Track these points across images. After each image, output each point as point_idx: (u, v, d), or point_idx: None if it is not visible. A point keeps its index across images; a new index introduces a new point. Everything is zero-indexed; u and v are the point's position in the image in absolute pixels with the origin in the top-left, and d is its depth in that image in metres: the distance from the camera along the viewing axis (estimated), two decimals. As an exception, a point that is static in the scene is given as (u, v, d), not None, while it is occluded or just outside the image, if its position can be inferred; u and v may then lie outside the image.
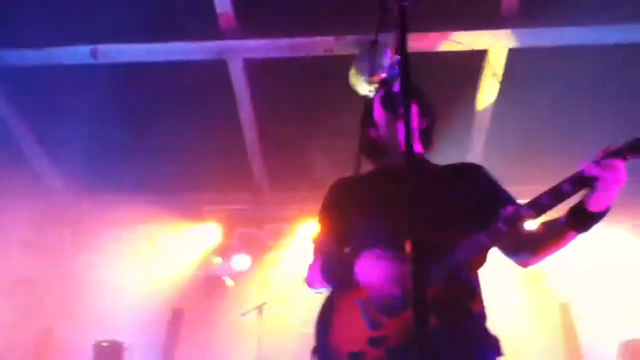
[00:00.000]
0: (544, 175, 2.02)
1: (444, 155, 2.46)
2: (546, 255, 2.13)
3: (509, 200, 2.19)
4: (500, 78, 5.10)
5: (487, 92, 5.29)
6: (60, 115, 5.59)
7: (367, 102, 2.49)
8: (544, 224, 2.10)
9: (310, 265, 2.34)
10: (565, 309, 5.86)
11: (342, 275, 2.13)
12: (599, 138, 2.02)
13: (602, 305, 5.95)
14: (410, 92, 1.75)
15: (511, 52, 4.94)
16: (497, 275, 5.84)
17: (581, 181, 1.90)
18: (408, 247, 1.45)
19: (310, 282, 2.32)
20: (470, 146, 5.78)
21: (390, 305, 1.96)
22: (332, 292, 2.18)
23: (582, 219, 1.97)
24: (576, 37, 4.75)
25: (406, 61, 1.57)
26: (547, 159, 4.80)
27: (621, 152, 1.87)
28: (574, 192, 1.92)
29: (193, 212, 6.62)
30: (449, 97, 5.14)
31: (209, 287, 6.56)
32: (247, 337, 5.67)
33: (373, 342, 1.94)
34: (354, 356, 1.95)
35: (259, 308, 5.37)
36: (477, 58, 5.09)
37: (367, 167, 2.49)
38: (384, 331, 1.94)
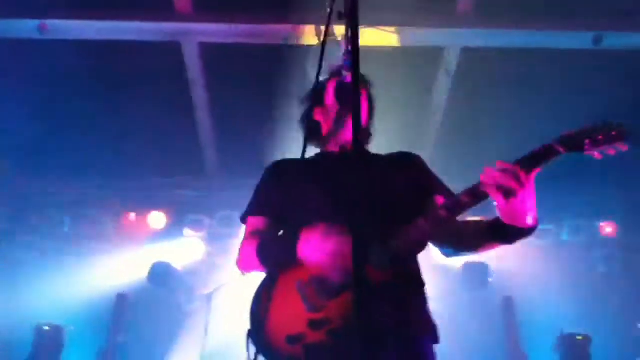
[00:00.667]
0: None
1: (395, 150, 2.49)
2: (473, 253, 2.17)
3: (446, 190, 2.25)
4: (452, 76, 5.18)
5: (440, 89, 5.36)
6: (1, 92, 5.37)
7: (321, 84, 2.41)
8: (477, 223, 2.12)
9: (242, 246, 2.23)
10: (508, 303, 6.00)
11: (281, 255, 2.05)
12: (544, 139, 2.05)
13: (543, 300, 6.18)
14: (360, 85, 1.75)
15: (464, 51, 5.01)
16: (442, 266, 6.08)
17: (474, 195, 1.90)
18: (349, 229, 1.42)
19: (243, 265, 2.21)
20: (422, 142, 5.85)
21: (331, 286, 1.90)
22: (268, 274, 2.08)
23: (500, 231, 1.97)
24: (525, 40, 4.84)
25: (356, 54, 1.57)
26: (495, 157, 4.87)
27: (529, 164, 1.87)
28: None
29: (141, 197, 6.49)
30: (403, 92, 5.20)
31: (156, 274, 6.45)
32: (194, 324, 5.63)
33: (313, 324, 1.89)
34: (292, 339, 1.89)
35: (208, 296, 5.33)
36: (431, 56, 5.15)
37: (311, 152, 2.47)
38: (324, 313, 1.89)
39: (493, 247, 2.07)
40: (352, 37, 1.60)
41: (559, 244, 6.54)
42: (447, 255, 2.25)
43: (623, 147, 1.86)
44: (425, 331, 2.04)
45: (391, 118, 4.78)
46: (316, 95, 2.42)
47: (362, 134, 2.42)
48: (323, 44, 2.25)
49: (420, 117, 5.67)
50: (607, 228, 6.56)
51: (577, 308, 6.01)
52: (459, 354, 5.36)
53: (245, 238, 2.26)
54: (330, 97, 2.37)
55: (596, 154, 1.89)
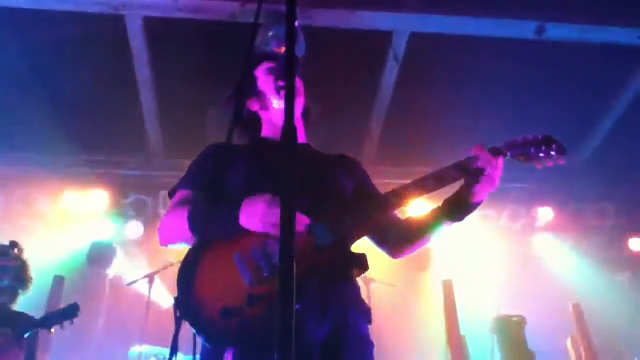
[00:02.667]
0: (437, 160, 2.11)
1: (341, 134, 2.49)
2: (420, 245, 2.20)
3: (379, 193, 2.25)
4: (401, 62, 5.21)
5: (388, 73, 5.39)
6: None
7: (247, 72, 2.38)
8: (417, 216, 2.19)
9: (168, 216, 2.15)
10: (447, 287, 6.15)
11: (219, 224, 1.99)
12: (493, 129, 2.13)
13: (482, 283, 6.37)
14: (296, 66, 1.73)
15: (413, 36, 5.04)
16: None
17: (464, 171, 1.99)
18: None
19: (168, 235, 2.11)
20: (369, 127, 5.89)
21: (274, 261, 1.85)
22: (199, 244, 1.99)
23: (458, 210, 2.06)
24: (470, 28, 4.90)
25: (292, 35, 1.53)
26: (442, 145, 4.98)
27: (501, 151, 2.00)
28: (454, 180, 2.01)
29: (81, 175, 6.28)
30: (351, 76, 5.21)
31: (95, 254, 6.28)
32: (136, 306, 5.51)
33: (252, 298, 1.83)
34: (228, 312, 1.83)
35: (150, 277, 5.24)
36: (380, 40, 5.16)
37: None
38: (266, 288, 1.84)
39: (443, 229, 2.13)
40: (288, 19, 1.55)
41: (499, 229, 6.76)
42: (395, 254, 2.26)
43: (561, 162, 1.99)
44: (360, 312, 2.06)
45: (339, 100, 4.79)
46: (247, 84, 2.38)
47: (303, 122, 2.41)
48: (254, 27, 2.22)
49: (368, 100, 5.68)
50: (544, 214, 6.81)
51: (514, 290, 6.23)
52: (399, 336, 5.47)
53: (172, 208, 2.17)
54: (263, 85, 2.33)
55: (538, 166, 2.04)
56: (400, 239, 2.21)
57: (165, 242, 2.14)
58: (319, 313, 1.91)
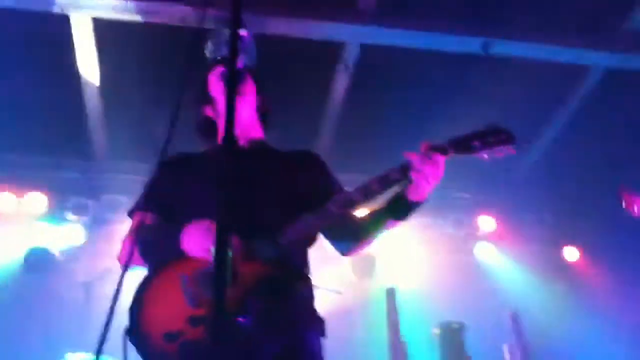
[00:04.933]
0: (387, 164, 2.15)
1: (293, 142, 2.49)
2: (367, 243, 2.26)
3: (340, 189, 2.31)
4: (351, 71, 5.26)
5: (339, 83, 5.43)
6: None
7: (202, 78, 2.41)
8: (365, 214, 2.23)
9: (125, 241, 2.18)
10: (390, 294, 6.22)
11: (163, 250, 2.00)
12: (436, 136, 2.18)
13: (423, 290, 6.50)
14: (244, 72, 1.72)
15: (364, 47, 5.10)
16: (331, 257, 6.18)
17: (406, 171, 2.03)
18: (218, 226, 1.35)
19: (124, 260, 2.08)
20: (320, 135, 5.92)
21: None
22: (150, 269, 2.03)
23: (399, 208, 2.11)
24: (419, 41, 4.99)
25: (235, 40, 1.53)
26: (391, 149, 5.04)
27: (443, 149, 2.03)
28: (398, 181, 2.05)
29: (19, 176, 6.03)
30: (304, 84, 5.23)
31: (32, 260, 6.05)
32: (74, 312, 5.34)
33: (193, 320, 1.83)
34: (170, 336, 1.83)
35: (89, 283, 5.10)
36: (333, 49, 5.19)
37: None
38: (205, 309, 1.84)
39: (389, 228, 2.18)
40: (233, 24, 1.55)
41: (443, 237, 6.91)
42: (344, 251, 2.30)
43: (511, 151, 2.02)
44: (310, 325, 2.07)
45: (291, 107, 4.80)
46: (202, 91, 2.39)
47: (259, 124, 2.42)
48: (203, 32, 2.24)
49: (319, 109, 5.71)
50: (486, 222, 7.01)
51: (455, 297, 6.38)
52: (342, 344, 5.50)
53: (129, 233, 2.19)
54: (216, 87, 2.33)
55: (485, 156, 2.02)
56: (349, 237, 2.25)
57: (124, 265, 2.14)
58: (270, 329, 1.91)
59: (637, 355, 5.90)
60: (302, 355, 1.99)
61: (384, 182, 2.04)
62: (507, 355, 6.01)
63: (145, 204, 2.24)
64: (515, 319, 6.11)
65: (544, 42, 5.07)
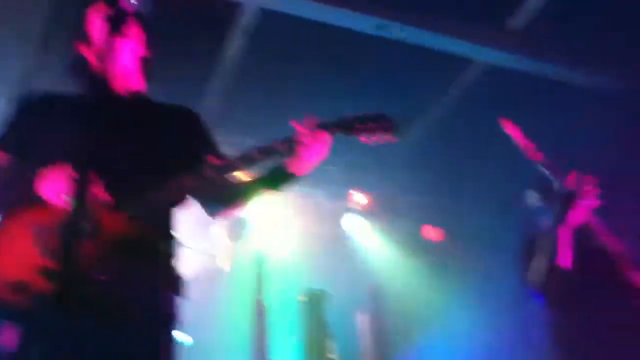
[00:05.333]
0: (274, 133, 2.14)
1: (177, 99, 2.41)
2: (238, 208, 2.26)
3: (217, 150, 2.26)
4: (249, 35, 5.10)
5: (234, 46, 5.27)
6: None
7: (83, 14, 2.21)
8: (240, 180, 2.21)
9: None
10: (259, 258, 6.24)
11: (18, 192, 1.87)
12: (332, 110, 2.20)
13: (291, 256, 6.62)
14: (130, 14, 1.62)
15: (263, 12, 4.96)
16: (200, 219, 6.08)
17: (291, 144, 2.06)
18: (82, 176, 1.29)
19: None
20: (207, 95, 5.74)
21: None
22: (1, 212, 1.89)
23: (279, 180, 2.14)
24: (316, 14, 4.90)
25: None
26: (279, 122, 5.01)
27: (329, 127, 2.08)
28: (283, 153, 2.08)
29: None
30: (197, 42, 5.03)
31: None
32: None
33: (45, 272, 1.73)
34: (18, 287, 1.72)
35: None
36: (230, 10, 4.99)
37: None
38: (59, 261, 1.74)
39: (262, 196, 2.19)
40: None
41: (315, 206, 7.02)
42: (213, 213, 2.26)
43: (391, 139, 2.10)
44: (169, 285, 2.03)
45: (180, 64, 4.62)
46: (77, 28, 2.21)
47: (141, 73, 2.29)
48: None
49: (210, 70, 5.51)
50: (358, 196, 7.24)
51: (322, 266, 6.57)
52: (208, 305, 5.49)
53: None
54: (93, 27, 2.17)
55: (365, 139, 2.10)
56: (220, 200, 2.22)
57: None
58: (128, 287, 1.85)
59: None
60: (158, 315, 1.95)
61: (267, 152, 2.04)
62: (360, 324, 6.31)
63: (0, 143, 2.05)
64: (376, 290, 6.41)
65: (434, 30, 5.22)
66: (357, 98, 5.18)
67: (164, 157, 2.09)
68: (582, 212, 2.77)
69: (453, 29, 5.24)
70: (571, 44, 5.28)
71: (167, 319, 2.00)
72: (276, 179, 2.15)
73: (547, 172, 2.83)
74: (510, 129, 2.87)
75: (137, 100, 2.24)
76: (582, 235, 2.85)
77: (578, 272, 2.82)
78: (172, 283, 2.05)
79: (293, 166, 2.11)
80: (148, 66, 2.31)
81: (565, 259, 2.80)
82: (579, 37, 5.14)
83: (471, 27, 5.24)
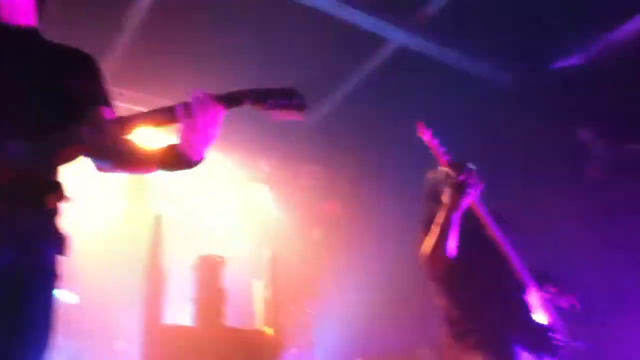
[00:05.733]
0: (179, 94, 2.03)
1: (80, 45, 2.26)
2: (128, 170, 2.15)
3: (108, 102, 2.12)
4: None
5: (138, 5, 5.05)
6: None
7: None
8: (134, 143, 2.06)
9: None
10: (157, 220, 6.10)
11: None
12: (239, 77, 2.10)
13: (192, 221, 6.53)
14: None
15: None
16: (100, 176, 5.84)
17: (173, 113, 1.87)
18: None
19: None
20: (113, 42, 5.48)
21: None
22: None
23: (171, 159, 1.98)
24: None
25: None
26: (186, 79, 4.91)
27: (232, 99, 1.92)
28: (166, 122, 1.90)
29: None
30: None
31: None
32: None
33: None
34: None
35: None
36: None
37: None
38: None
39: (151, 171, 2.07)
40: None
41: (221, 172, 6.95)
42: (101, 169, 2.13)
43: (299, 118, 2.03)
44: (49, 240, 1.92)
45: (90, 16, 4.37)
46: None
47: (35, 9, 2.13)
48: None
49: (119, 14, 5.25)
50: (265, 165, 7.25)
51: (222, 232, 6.55)
52: (100, 265, 5.32)
53: None
54: None
55: (273, 116, 1.99)
56: (109, 156, 2.07)
57: None
58: (1, 238, 1.75)
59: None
60: (33, 270, 1.84)
61: (172, 117, 1.89)
62: (256, 290, 6.37)
63: None
64: (271, 259, 6.46)
65: (351, 5, 5.26)
66: (266, 67, 5.16)
67: (55, 100, 1.95)
68: (470, 199, 3.01)
69: (368, 5, 5.31)
70: (474, 35, 5.52)
71: (48, 277, 1.89)
72: (167, 157, 1.97)
73: (450, 172, 3.04)
74: (422, 131, 3.01)
75: (28, 38, 2.06)
76: (467, 220, 3.07)
77: (461, 254, 3.04)
78: (54, 240, 1.93)
79: (182, 144, 1.92)
80: (42, 3, 2.16)
81: (453, 240, 3.04)
82: (482, 29, 5.39)
83: (387, 6, 5.33)
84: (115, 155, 2.05)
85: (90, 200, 4.78)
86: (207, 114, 1.85)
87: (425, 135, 3.03)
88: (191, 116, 1.85)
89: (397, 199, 6.06)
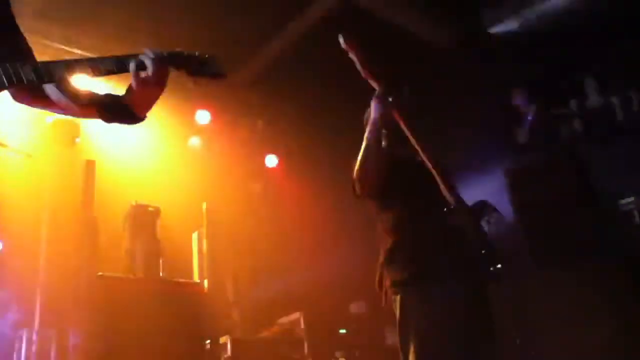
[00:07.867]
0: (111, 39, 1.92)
1: None
2: (65, 112, 1.99)
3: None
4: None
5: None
6: None
7: None
8: (80, 89, 1.93)
9: None
10: (90, 167, 5.87)
11: None
12: (160, 36, 2.03)
13: (126, 170, 6.35)
14: None
15: None
16: (28, 120, 5.56)
17: (124, 65, 1.78)
18: None
19: None
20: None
21: None
22: None
23: (114, 111, 1.86)
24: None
25: None
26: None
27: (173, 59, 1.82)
28: (112, 72, 1.79)
29: None
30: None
31: None
32: None
33: None
34: None
35: None
36: None
37: None
38: None
39: (87, 117, 1.96)
40: None
41: (157, 122, 6.74)
42: (22, 100, 1.97)
43: (219, 81, 1.91)
44: None
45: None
46: None
47: None
48: None
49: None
50: (203, 116, 7.11)
51: (157, 182, 6.41)
52: (27, 214, 5.11)
53: None
54: None
55: (192, 83, 1.89)
56: (45, 97, 1.92)
57: None
58: None
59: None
60: None
61: (120, 67, 1.77)
62: (195, 243, 6.34)
63: None
64: (208, 210, 6.42)
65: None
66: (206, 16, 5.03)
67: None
68: (391, 110, 2.87)
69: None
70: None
71: None
72: (111, 107, 1.83)
73: (373, 83, 2.89)
74: (349, 44, 2.88)
75: None
76: (398, 143, 2.98)
77: (393, 174, 2.92)
78: None
79: (133, 99, 1.80)
80: None
81: (380, 154, 2.91)
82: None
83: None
84: (57, 92, 1.89)
85: (11, 141, 4.49)
86: (161, 73, 1.76)
87: (351, 48, 2.90)
88: (146, 72, 1.74)
89: (336, 150, 6.10)
